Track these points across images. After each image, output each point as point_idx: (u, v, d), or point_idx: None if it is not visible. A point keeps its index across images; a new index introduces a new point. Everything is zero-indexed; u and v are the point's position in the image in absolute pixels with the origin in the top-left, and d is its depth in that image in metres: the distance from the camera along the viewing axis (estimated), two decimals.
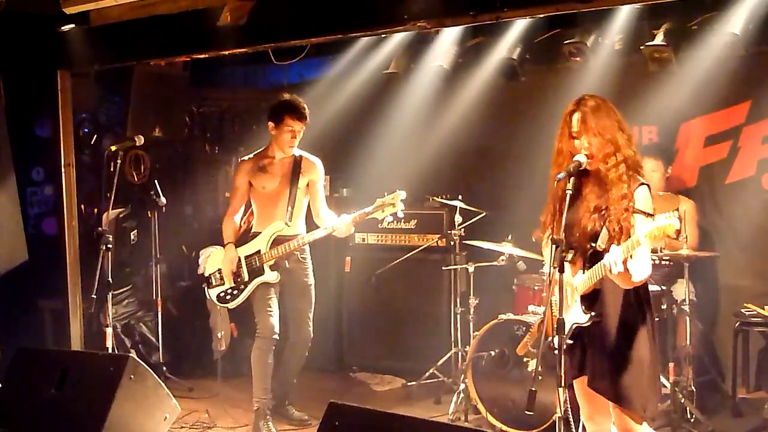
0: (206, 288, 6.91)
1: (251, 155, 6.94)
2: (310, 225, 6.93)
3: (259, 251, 6.70)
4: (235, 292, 6.76)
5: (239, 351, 8.14)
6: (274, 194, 6.80)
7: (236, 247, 6.74)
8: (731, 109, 7.61)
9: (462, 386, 6.94)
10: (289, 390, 7.03)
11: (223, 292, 6.80)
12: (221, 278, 6.79)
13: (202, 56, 7.85)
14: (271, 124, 6.76)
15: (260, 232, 6.78)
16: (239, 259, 6.72)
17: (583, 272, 4.42)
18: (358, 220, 6.60)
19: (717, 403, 7.12)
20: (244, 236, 6.86)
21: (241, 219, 6.98)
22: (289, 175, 6.81)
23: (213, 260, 6.90)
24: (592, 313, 4.41)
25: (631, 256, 4.14)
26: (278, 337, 6.70)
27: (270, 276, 6.70)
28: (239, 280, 6.74)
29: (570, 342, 4.43)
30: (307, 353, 6.93)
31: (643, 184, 4.38)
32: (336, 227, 6.60)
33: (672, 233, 4.01)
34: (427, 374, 7.66)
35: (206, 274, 6.91)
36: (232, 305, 6.84)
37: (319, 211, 6.91)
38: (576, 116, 4.46)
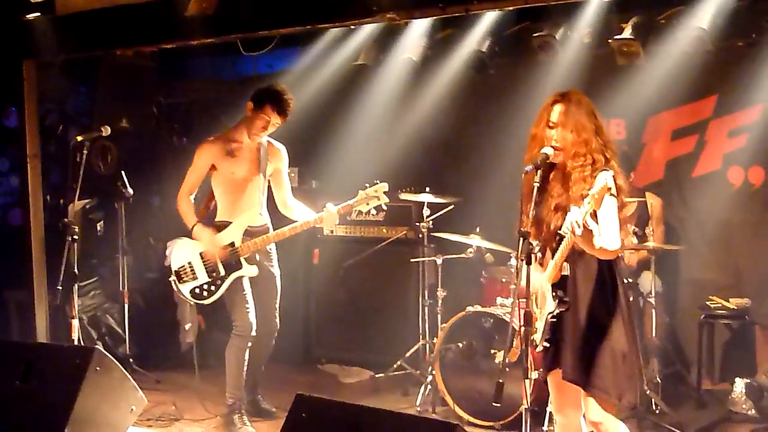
0: (176, 283, 6.56)
1: (217, 136, 6.65)
2: (273, 214, 6.79)
3: (233, 244, 6.48)
4: (212, 288, 6.48)
5: (207, 343, 8.11)
6: (242, 181, 6.56)
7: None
8: (698, 103, 7.67)
9: (430, 378, 6.95)
10: (257, 381, 6.89)
11: (197, 287, 6.51)
12: (193, 272, 6.51)
13: (170, 46, 7.81)
14: (250, 105, 6.47)
15: (228, 222, 6.54)
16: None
17: (552, 261, 4.43)
18: (342, 212, 6.47)
19: (682, 394, 7.19)
20: (209, 226, 6.55)
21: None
22: (258, 162, 6.59)
23: (179, 252, 6.58)
24: (561, 299, 4.40)
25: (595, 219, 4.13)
26: (254, 333, 6.52)
27: (249, 270, 6.48)
28: (215, 275, 6.46)
29: (546, 342, 4.44)
30: (273, 344, 6.80)
31: (604, 170, 4.38)
32: (324, 217, 6.44)
33: (607, 190, 4.02)
34: (395, 366, 7.66)
35: (174, 268, 6.57)
36: (208, 301, 6.56)
37: (286, 201, 6.77)
38: (558, 107, 4.47)
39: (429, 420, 5.68)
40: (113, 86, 8.84)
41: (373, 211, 6.53)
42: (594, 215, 4.12)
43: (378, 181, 6.48)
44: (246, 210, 6.56)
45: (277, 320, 6.76)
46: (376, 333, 8.25)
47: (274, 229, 6.67)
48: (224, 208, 6.62)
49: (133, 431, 6.19)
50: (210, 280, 6.49)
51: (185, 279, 6.54)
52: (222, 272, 6.47)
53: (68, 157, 7.26)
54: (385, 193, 6.44)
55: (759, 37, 7.11)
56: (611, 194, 4.23)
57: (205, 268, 6.51)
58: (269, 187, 6.78)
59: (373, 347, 8.27)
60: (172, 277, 6.59)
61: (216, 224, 6.58)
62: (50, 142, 8.60)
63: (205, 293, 6.51)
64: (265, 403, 6.93)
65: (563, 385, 4.54)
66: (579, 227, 4.07)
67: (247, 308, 6.50)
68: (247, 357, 6.55)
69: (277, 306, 6.76)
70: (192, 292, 6.53)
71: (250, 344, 6.53)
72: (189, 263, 6.54)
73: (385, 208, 6.58)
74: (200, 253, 6.51)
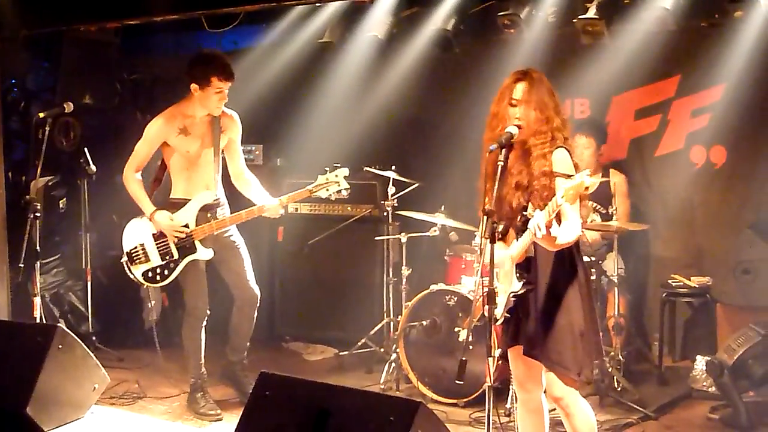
0: (128, 265, 6.44)
1: (169, 112, 6.40)
2: (229, 187, 6.65)
3: (187, 225, 6.32)
4: (165, 271, 6.37)
5: (171, 321, 8.07)
6: (195, 157, 6.40)
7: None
8: (661, 83, 7.72)
9: (394, 356, 6.97)
10: (243, 356, 6.70)
11: (150, 270, 6.39)
12: (145, 254, 6.39)
13: (134, 22, 7.73)
14: (194, 86, 6.23)
15: (183, 201, 6.39)
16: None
17: (517, 241, 4.47)
18: (286, 203, 6.41)
19: (643, 372, 7.26)
20: (164, 204, 6.42)
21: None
22: (211, 136, 6.39)
23: (132, 233, 6.46)
24: (526, 281, 4.45)
25: (558, 220, 4.19)
26: (209, 312, 6.50)
27: (204, 254, 6.36)
28: (168, 258, 6.36)
29: (508, 314, 4.49)
30: (256, 313, 6.61)
31: (560, 147, 4.42)
32: (267, 208, 6.34)
33: (583, 189, 4.04)
34: (359, 344, 7.68)
35: (126, 249, 6.44)
36: (160, 285, 6.52)
37: (242, 173, 6.58)
38: (521, 85, 4.48)
39: (393, 398, 5.70)
40: (76, 62, 8.75)
41: (334, 195, 6.45)
42: (558, 216, 4.18)
43: (339, 165, 6.40)
44: (201, 186, 6.42)
45: (255, 288, 6.57)
46: (340, 311, 8.25)
47: (229, 204, 6.57)
48: (179, 184, 6.46)
49: (96, 409, 6.19)
50: (163, 263, 6.39)
51: (137, 261, 6.43)
52: (176, 255, 6.37)
53: (30, 134, 7.17)
54: (345, 177, 6.35)
55: (722, 17, 7.15)
56: (567, 175, 4.29)
57: (158, 251, 6.40)
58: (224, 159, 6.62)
59: (338, 325, 8.28)
60: (124, 259, 6.48)
61: (171, 201, 6.46)
62: (12, 119, 8.50)
63: (158, 276, 6.41)
64: (245, 376, 6.67)
65: (524, 361, 4.58)
66: (540, 231, 4.12)
67: (199, 289, 6.45)
68: (202, 336, 6.52)
69: (251, 273, 6.57)
70: (144, 275, 6.43)
71: (204, 323, 6.50)
72: (141, 245, 6.42)
73: (345, 194, 6.51)
74: (152, 234, 6.40)
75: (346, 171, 6.36)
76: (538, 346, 4.47)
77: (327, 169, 6.40)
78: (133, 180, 6.41)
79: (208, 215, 6.42)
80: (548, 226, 4.14)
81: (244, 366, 6.71)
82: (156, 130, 6.37)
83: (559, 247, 4.32)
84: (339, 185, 6.35)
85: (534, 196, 4.38)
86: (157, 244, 6.41)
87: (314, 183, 6.36)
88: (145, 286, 6.64)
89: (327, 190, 6.34)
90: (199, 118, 6.37)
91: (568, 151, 4.45)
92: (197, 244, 6.36)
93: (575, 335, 4.44)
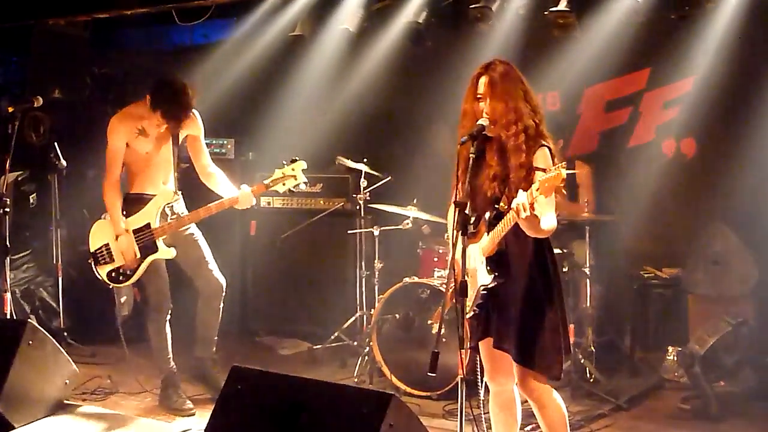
0: (93, 265, 6.41)
1: (124, 113, 6.37)
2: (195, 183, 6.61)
3: (148, 224, 6.28)
4: (128, 272, 6.35)
5: (143, 316, 8.02)
6: (153, 155, 6.36)
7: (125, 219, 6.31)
8: (632, 75, 7.77)
9: (367, 349, 6.97)
10: (212, 351, 6.63)
11: (113, 271, 6.36)
12: (110, 255, 6.36)
13: (104, 16, 7.68)
14: (147, 98, 6.20)
15: (142, 197, 6.35)
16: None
17: (487, 234, 4.47)
18: (257, 191, 6.30)
19: (615, 363, 7.29)
20: (124, 201, 6.39)
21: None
22: (169, 134, 6.35)
23: (97, 234, 6.42)
24: (496, 274, 4.46)
25: (535, 209, 4.20)
26: (171, 306, 6.49)
27: (166, 253, 6.33)
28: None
29: (477, 308, 4.49)
30: (222, 304, 6.55)
31: (543, 146, 4.44)
32: (239, 198, 6.24)
33: (560, 182, 4.04)
34: (333, 337, 7.68)
35: (91, 250, 6.41)
36: (125, 285, 6.52)
37: (206, 167, 6.52)
38: (483, 79, 4.48)
39: (366, 390, 5.70)
40: (46, 56, 8.69)
41: (303, 186, 6.38)
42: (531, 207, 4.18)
43: (297, 158, 6.30)
44: (158, 182, 6.39)
45: (220, 277, 6.51)
46: (313, 305, 8.26)
47: (184, 200, 6.53)
48: (136, 180, 6.43)
49: (67, 404, 6.15)
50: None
51: (102, 262, 6.41)
52: (138, 255, 6.33)
53: None
54: (303, 171, 6.25)
55: (692, 9, 7.18)
56: (544, 170, 4.29)
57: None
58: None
59: (311, 319, 8.29)
60: (90, 259, 6.46)
61: (129, 197, 6.44)
62: None
63: (121, 277, 6.39)
64: (213, 369, 6.63)
65: (494, 354, 4.59)
66: (524, 210, 4.11)
67: (159, 283, 6.43)
68: (167, 330, 6.50)
69: (212, 263, 6.50)
70: (109, 275, 6.41)
71: (168, 317, 6.49)
72: (106, 245, 6.39)
73: (303, 187, 6.45)
74: (116, 236, 6.36)
75: (303, 164, 6.26)
76: (509, 339, 4.48)
77: (284, 162, 6.30)
78: (110, 193, 6.35)
79: (167, 212, 6.39)
80: (531, 206, 4.12)
81: (214, 361, 6.67)
82: (116, 132, 6.33)
83: (540, 233, 4.33)
84: (296, 179, 6.24)
85: (510, 188, 4.38)
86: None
87: (271, 177, 6.27)
88: (110, 286, 6.58)
89: (284, 184, 6.24)
90: (156, 120, 6.28)
91: (550, 150, 4.45)
92: (159, 243, 6.32)
93: (545, 331, 4.45)
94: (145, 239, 6.30)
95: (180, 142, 6.49)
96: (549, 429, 4.59)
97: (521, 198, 4.13)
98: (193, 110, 6.43)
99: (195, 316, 6.59)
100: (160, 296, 6.47)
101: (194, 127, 6.49)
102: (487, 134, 4.47)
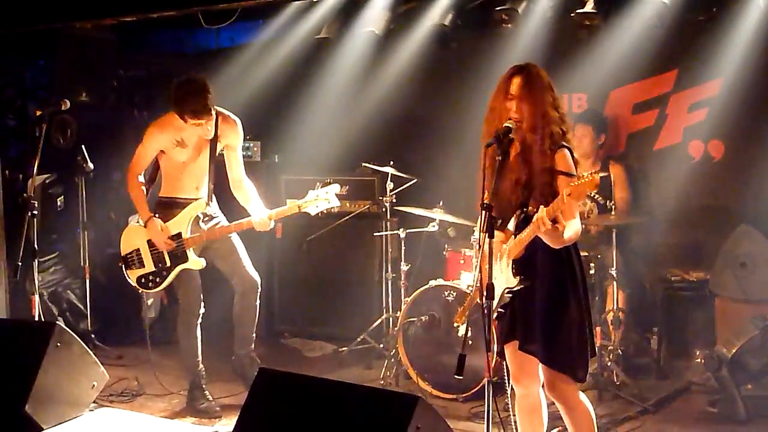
0: (124, 269, 6.54)
1: (164, 121, 6.39)
2: (226, 193, 6.63)
3: (180, 234, 6.36)
4: (158, 279, 6.43)
5: (169, 318, 8.07)
6: (189, 163, 6.42)
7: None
8: (659, 77, 7.71)
9: (393, 352, 6.97)
10: (250, 348, 6.64)
11: (143, 277, 6.47)
12: (140, 260, 6.45)
13: (130, 19, 7.70)
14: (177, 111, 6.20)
15: (171, 200, 6.45)
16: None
17: (515, 237, 4.47)
18: (275, 217, 6.33)
19: (642, 365, 7.25)
20: (156, 204, 6.48)
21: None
22: (208, 144, 6.38)
23: (129, 238, 6.54)
24: (522, 277, 4.46)
25: (561, 217, 4.20)
26: (203, 309, 6.51)
27: (196, 264, 6.37)
28: (161, 265, 6.41)
29: (501, 309, 4.49)
30: (258, 301, 6.57)
31: (562, 146, 4.43)
32: (255, 223, 6.29)
33: (593, 188, 4.05)
34: (359, 340, 7.68)
35: (123, 254, 6.54)
36: (153, 291, 6.62)
37: (237, 179, 6.52)
38: (517, 80, 4.50)
39: (392, 393, 5.70)
40: (72, 59, 8.73)
41: (335, 209, 6.38)
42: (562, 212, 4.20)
43: (330, 180, 6.31)
44: (191, 187, 6.45)
45: (255, 274, 6.54)
46: (339, 307, 8.25)
47: (224, 213, 6.59)
48: (169, 184, 6.49)
49: (95, 407, 6.18)
50: (156, 270, 6.45)
51: (132, 266, 6.50)
52: (168, 263, 6.40)
53: (27, 132, 7.16)
54: (336, 195, 6.25)
55: (719, 11, 7.16)
56: (569, 174, 4.30)
57: (152, 257, 6.44)
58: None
59: (337, 321, 8.28)
60: (121, 263, 6.56)
61: (160, 200, 6.51)
62: (8, 116, 8.48)
63: (150, 283, 6.48)
64: (251, 367, 6.52)
65: (520, 356, 4.59)
66: (545, 225, 4.12)
67: (192, 288, 6.46)
68: (197, 334, 6.52)
69: (247, 260, 6.54)
70: (138, 280, 6.51)
71: (200, 320, 6.51)
72: (137, 250, 6.48)
73: (335, 210, 6.44)
74: (148, 241, 6.43)
75: (337, 188, 6.26)
76: (535, 341, 4.49)
77: (319, 184, 6.31)
78: (134, 184, 6.46)
79: (201, 225, 6.44)
80: (552, 219, 4.14)
81: (252, 360, 6.64)
82: (154, 139, 6.40)
83: (562, 244, 4.33)
84: (329, 202, 6.24)
85: (534, 192, 4.39)
86: (151, 251, 6.46)
87: (304, 199, 6.27)
88: (140, 291, 6.62)
89: (317, 206, 6.25)
90: (194, 129, 6.30)
91: (570, 150, 4.45)
92: (189, 253, 6.37)
93: (573, 334, 4.46)
94: (176, 248, 6.35)
95: (219, 152, 6.49)
96: (576, 431, 4.59)
97: (543, 213, 4.15)
98: (236, 119, 6.48)
99: (232, 313, 6.61)
100: (191, 298, 6.50)
101: (233, 137, 6.49)
102: (512, 137, 4.47)
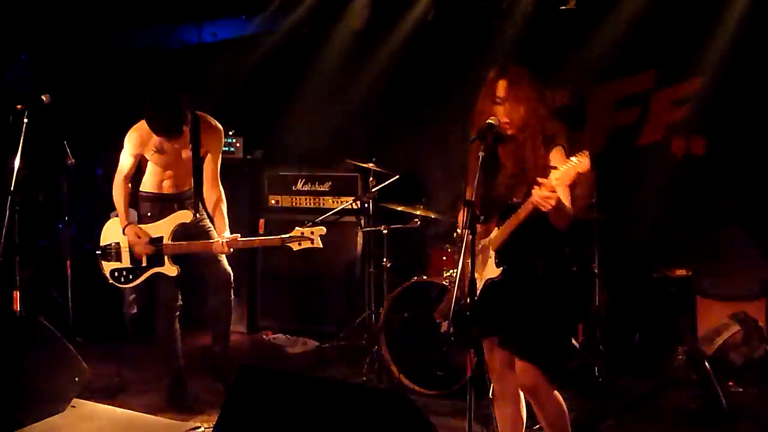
0: (99, 259, 6.51)
1: (141, 127, 6.29)
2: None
3: (161, 238, 6.35)
4: (131, 276, 6.43)
5: (151, 314, 8.03)
6: (171, 166, 6.41)
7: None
8: (641, 74, 7.72)
9: (375, 348, 6.97)
10: (226, 345, 6.63)
11: (117, 271, 6.45)
12: (118, 254, 6.45)
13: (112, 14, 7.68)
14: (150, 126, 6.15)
15: (151, 194, 6.44)
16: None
17: (498, 229, 4.46)
18: (244, 245, 6.40)
19: (624, 362, 7.26)
20: (142, 200, 6.51)
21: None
22: (189, 147, 6.34)
23: (111, 230, 6.50)
24: (504, 267, 4.45)
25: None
26: (181, 303, 6.49)
27: (169, 270, 6.35)
28: (137, 263, 6.41)
29: (482, 301, 4.48)
30: (232, 295, 6.56)
31: (558, 145, 4.43)
32: (214, 246, 6.26)
33: (584, 170, 4.04)
34: (341, 336, 7.68)
35: (101, 243, 6.51)
36: (124, 286, 6.57)
37: (208, 188, 6.47)
38: (503, 83, 4.47)
39: (375, 389, 5.70)
40: (54, 54, 8.68)
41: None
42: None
43: (318, 223, 6.40)
44: (175, 186, 6.45)
45: (228, 268, 6.49)
46: (321, 303, 8.26)
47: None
48: (150, 180, 6.49)
49: (76, 403, 6.16)
50: (131, 267, 6.43)
51: (109, 258, 6.49)
52: (144, 263, 6.40)
53: (7, 126, 7.10)
54: (321, 236, 6.27)
55: (701, 8, 7.18)
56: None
57: (130, 254, 6.43)
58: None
59: (319, 317, 8.29)
60: (98, 252, 6.53)
61: (140, 194, 6.52)
62: None
63: (123, 278, 6.46)
64: (229, 368, 6.51)
65: (498, 351, 4.59)
66: (548, 203, 4.09)
67: (167, 282, 6.43)
68: (177, 327, 6.51)
69: (220, 256, 6.44)
70: (112, 273, 6.49)
71: (178, 314, 6.50)
72: (116, 243, 6.47)
73: (320, 246, 6.38)
74: (123, 228, 6.42)
75: (323, 230, 6.29)
76: (514, 337, 4.49)
77: (307, 222, 6.41)
78: (118, 188, 6.45)
79: (184, 233, 6.42)
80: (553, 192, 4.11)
81: (227, 357, 6.63)
82: (132, 146, 6.38)
83: (569, 219, 4.33)
84: (312, 243, 6.27)
85: (528, 182, 4.36)
86: (131, 248, 6.44)
87: (289, 234, 6.30)
88: (109, 282, 6.60)
89: (299, 244, 6.28)
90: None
91: (564, 149, 4.45)
92: (166, 258, 6.36)
93: (549, 326, 4.47)
94: (155, 251, 6.35)
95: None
96: (548, 427, 4.60)
97: (544, 187, 4.10)
98: (219, 127, 6.47)
99: (206, 309, 6.60)
100: (168, 292, 6.47)
101: (213, 144, 6.46)
102: (503, 135, 4.46)
